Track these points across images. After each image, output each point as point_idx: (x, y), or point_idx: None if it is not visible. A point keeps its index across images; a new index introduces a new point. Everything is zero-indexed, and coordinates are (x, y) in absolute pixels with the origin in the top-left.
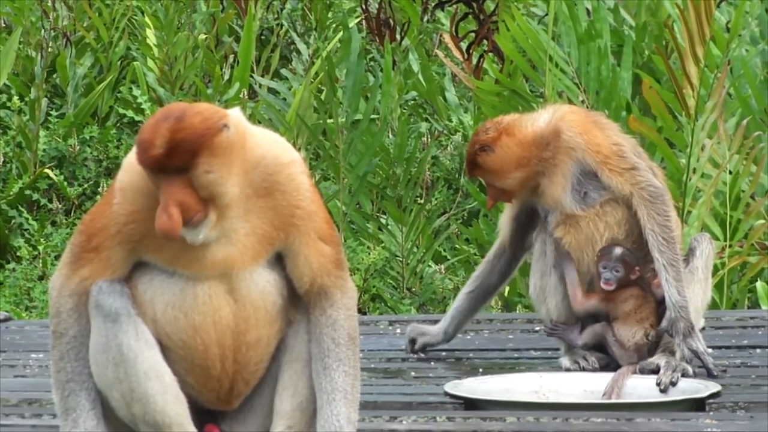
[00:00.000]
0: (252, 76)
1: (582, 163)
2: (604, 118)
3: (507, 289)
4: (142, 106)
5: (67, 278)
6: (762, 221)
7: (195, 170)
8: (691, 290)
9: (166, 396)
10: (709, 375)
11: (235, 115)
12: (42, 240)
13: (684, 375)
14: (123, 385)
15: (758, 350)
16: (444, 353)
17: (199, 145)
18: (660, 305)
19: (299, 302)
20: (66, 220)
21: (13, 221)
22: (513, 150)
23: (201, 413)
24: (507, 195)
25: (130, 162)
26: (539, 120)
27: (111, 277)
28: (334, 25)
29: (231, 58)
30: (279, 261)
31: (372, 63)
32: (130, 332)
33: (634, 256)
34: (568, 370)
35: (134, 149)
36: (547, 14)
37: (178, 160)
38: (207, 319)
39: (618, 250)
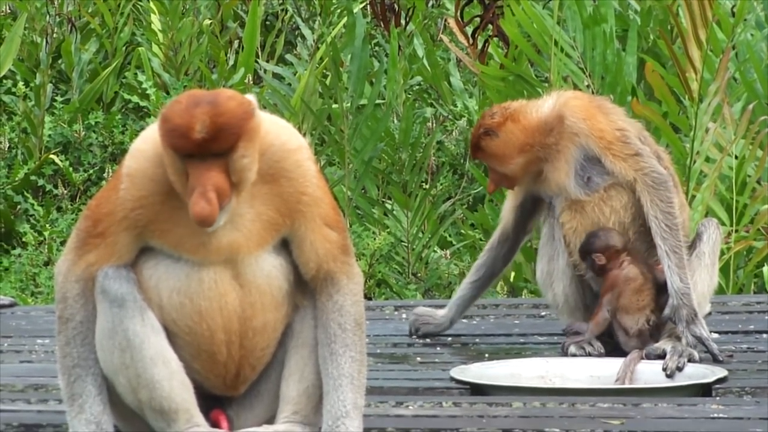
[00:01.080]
0: (257, 62)
1: (585, 149)
2: (609, 103)
3: (513, 274)
4: (147, 92)
5: (73, 264)
6: None
7: (234, 154)
8: (697, 275)
9: (173, 382)
10: (715, 360)
11: (254, 100)
12: (47, 226)
13: (690, 360)
14: (129, 371)
15: (764, 335)
16: (450, 338)
17: (240, 128)
18: (662, 291)
19: (306, 287)
20: (71, 205)
21: (18, 207)
22: (517, 136)
23: (207, 399)
24: (509, 181)
25: (139, 148)
26: (543, 106)
27: (117, 263)
28: (338, 10)
29: (236, 43)
30: (285, 246)
31: (377, 48)
32: (136, 318)
33: (614, 241)
34: (573, 355)
35: (160, 135)
36: None
37: (223, 144)
38: (213, 305)
39: (596, 240)
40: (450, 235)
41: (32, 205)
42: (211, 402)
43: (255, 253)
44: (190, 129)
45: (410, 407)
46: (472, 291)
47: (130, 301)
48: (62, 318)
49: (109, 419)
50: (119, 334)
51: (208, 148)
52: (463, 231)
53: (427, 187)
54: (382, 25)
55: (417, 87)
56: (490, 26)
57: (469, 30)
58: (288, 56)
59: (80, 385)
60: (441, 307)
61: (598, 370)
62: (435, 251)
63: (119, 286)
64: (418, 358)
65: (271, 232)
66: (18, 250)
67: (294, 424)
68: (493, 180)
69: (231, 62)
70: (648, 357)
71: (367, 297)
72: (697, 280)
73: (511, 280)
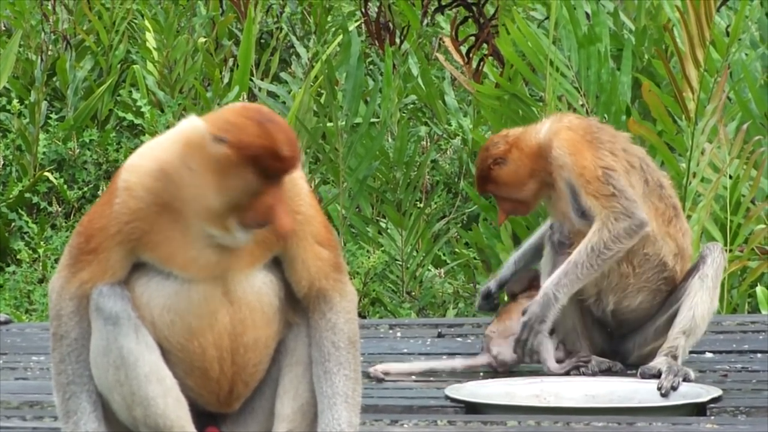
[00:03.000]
0: (251, 80)
1: (569, 183)
2: (608, 134)
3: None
4: (142, 110)
5: (67, 281)
6: (762, 226)
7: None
8: (699, 297)
9: (167, 399)
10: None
11: None
12: (42, 243)
13: (686, 379)
14: (124, 388)
15: (759, 355)
16: (445, 357)
17: None
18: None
19: (298, 304)
20: (66, 223)
21: (12, 224)
22: (524, 161)
23: (201, 416)
24: (523, 206)
25: (137, 163)
26: (541, 131)
27: (111, 280)
28: (333, 29)
29: (230, 61)
30: (276, 262)
31: (371, 67)
32: (131, 335)
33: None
34: (568, 374)
35: (240, 157)
36: (547, 18)
37: (298, 164)
38: (203, 322)
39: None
40: (444, 254)
41: (27, 222)
42: (205, 419)
43: (246, 270)
44: (295, 147)
45: (405, 426)
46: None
47: (124, 318)
48: (56, 335)
49: None
50: (113, 352)
51: (295, 168)
52: (457, 250)
53: (422, 205)
54: (377, 44)
55: (412, 105)
56: (485, 45)
57: (464, 49)
58: (283, 74)
59: (75, 402)
60: (435, 326)
61: (593, 389)
62: (429, 270)
63: (113, 303)
64: (413, 377)
65: (263, 251)
66: (12, 268)
67: None
68: (504, 210)
69: (226, 80)
70: (643, 376)
71: (362, 315)
72: (697, 301)
73: (504, 298)
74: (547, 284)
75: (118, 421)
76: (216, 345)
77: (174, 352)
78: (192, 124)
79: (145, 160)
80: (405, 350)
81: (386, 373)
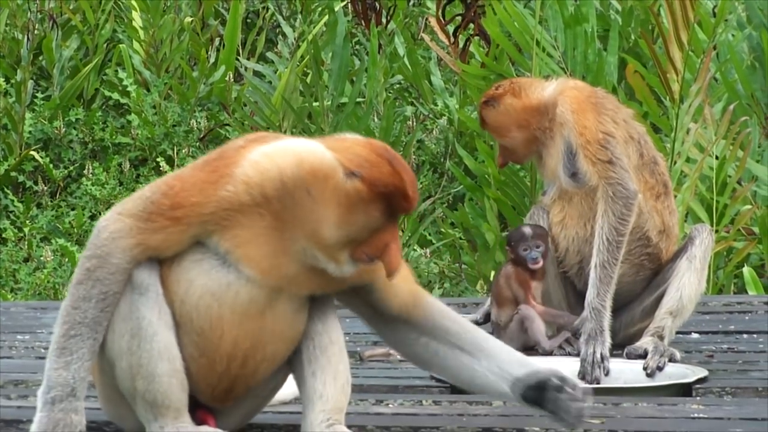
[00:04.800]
0: (238, 59)
1: (568, 142)
2: (612, 103)
3: (492, 273)
4: (128, 89)
5: (129, 230)
6: (748, 206)
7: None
8: (686, 278)
9: (172, 379)
10: (582, 378)
11: None
12: (27, 222)
13: (671, 360)
14: (133, 358)
15: (745, 335)
16: None
17: None
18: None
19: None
20: (51, 202)
21: None
22: (515, 110)
23: (193, 399)
24: (514, 155)
25: (264, 165)
26: (547, 89)
27: (174, 252)
28: (319, 9)
29: (217, 41)
30: None
31: (358, 46)
32: (154, 309)
33: (542, 227)
34: (553, 354)
35: (374, 194)
36: None
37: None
38: (235, 318)
39: (527, 229)
40: (430, 234)
41: (12, 201)
42: (196, 401)
43: (304, 292)
44: (413, 191)
45: (390, 405)
46: None
47: (152, 292)
48: (92, 274)
49: (85, 389)
50: (133, 320)
51: (415, 207)
52: (443, 230)
53: None
54: (363, 24)
55: (398, 86)
56: (471, 25)
57: (450, 29)
58: (269, 54)
59: (77, 344)
60: None
61: (577, 369)
62: (415, 250)
63: (147, 275)
64: (399, 356)
65: (331, 284)
66: None
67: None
68: (500, 154)
69: (212, 60)
70: (629, 356)
71: None
72: (685, 282)
73: (491, 278)
74: (589, 299)
75: (114, 386)
76: (236, 343)
77: (191, 334)
78: (319, 151)
79: (271, 165)
80: None
81: (388, 355)
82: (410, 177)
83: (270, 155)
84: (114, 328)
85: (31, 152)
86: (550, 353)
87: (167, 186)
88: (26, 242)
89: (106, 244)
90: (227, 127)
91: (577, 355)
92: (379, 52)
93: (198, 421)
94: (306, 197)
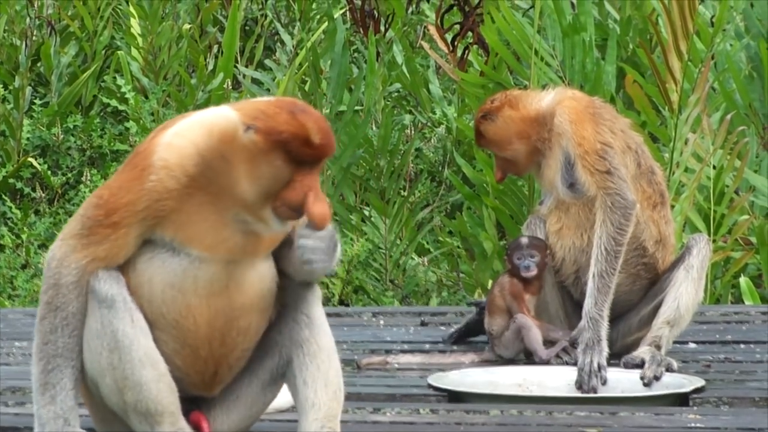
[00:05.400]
0: (236, 67)
1: (566, 152)
2: (609, 113)
3: (490, 281)
4: (126, 96)
5: (74, 250)
6: (746, 216)
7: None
8: (683, 287)
9: (160, 384)
10: (579, 388)
11: None
12: (25, 229)
13: (668, 370)
14: (117, 372)
15: (742, 345)
16: (428, 346)
17: None
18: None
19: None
20: (49, 209)
21: None
22: (514, 122)
23: (184, 401)
24: (514, 167)
25: (175, 143)
26: (545, 99)
27: (124, 257)
28: (318, 16)
29: (215, 48)
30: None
31: (356, 54)
32: (126, 319)
33: (541, 240)
34: (550, 364)
35: (270, 143)
36: (532, 7)
37: (332, 151)
38: (203, 301)
39: (524, 239)
40: (428, 243)
41: (10, 208)
42: (188, 405)
43: (258, 256)
44: (320, 138)
45: (388, 414)
46: None
47: (119, 302)
48: (51, 304)
49: (77, 416)
50: (108, 335)
51: (327, 155)
52: (440, 238)
53: (405, 194)
54: (362, 32)
55: (396, 94)
56: (470, 33)
57: (448, 37)
58: (267, 61)
59: (57, 376)
60: (417, 315)
61: (575, 379)
62: (413, 258)
63: (109, 287)
64: (396, 365)
65: (280, 237)
66: None
67: None
68: (498, 167)
69: (210, 67)
70: (626, 366)
71: (345, 303)
72: (682, 292)
73: (489, 287)
74: (587, 308)
75: (105, 405)
76: (210, 324)
77: (167, 329)
78: (224, 114)
79: (184, 141)
80: (388, 338)
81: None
82: (314, 124)
83: (180, 134)
84: (90, 347)
85: (29, 159)
86: (547, 362)
87: (97, 197)
88: (24, 249)
89: (58, 270)
90: None
91: (575, 364)
92: (377, 60)
93: (192, 425)
94: (223, 163)
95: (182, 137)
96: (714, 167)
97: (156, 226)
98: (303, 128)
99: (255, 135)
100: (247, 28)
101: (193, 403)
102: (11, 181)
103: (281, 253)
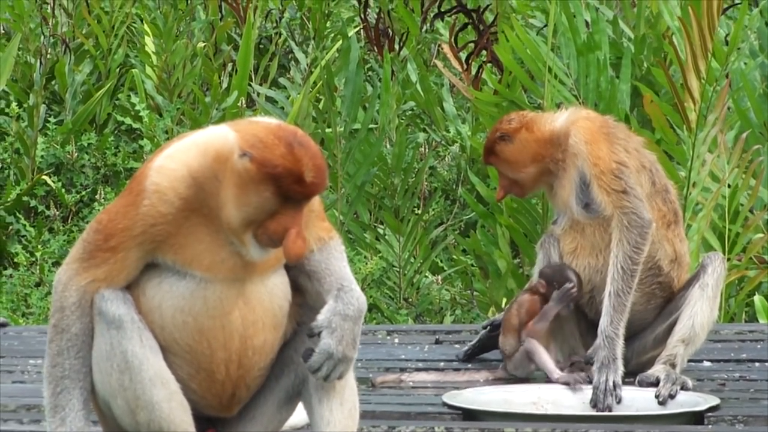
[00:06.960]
0: (250, 85)
1: (582, 172)
2: (623, 132)
3: (504, 300)
4: (140, 114)
5: (77, 273)
6: (760, 235)
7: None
8: (698, 306)
9: (172, 403)
10: (594, 406)
11: None
12: (39, 246)
13: (683, 388)
14: (128, 393)
15: (757, 364)
16: (442, 364)
17: None
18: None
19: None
20: (63, 227)
21: (10, 227)
22: (531, 144)
23: (199, 420)
24: (519, 188)
25: (167, 166)
26: (558, 119)
27: (125, 280)
28: (332, 35)
29: (229, 66)
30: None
31: (370, 73)
32: (135, 339)
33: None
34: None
35: (261, 177)
36: (546, 25)
37: (324, 188)
38: (215, 323)
39: (572, 275)
40: (442, 261)
41: (24, 226)
42: (204, 423)
43: (264, 273)
44: (312, 176)
45: None
46: None
47: (127, 322)
48: (57, 327)
49: None
50: (117, 356)
51: (316, 193)
52: (454, 256)
53: (420, 212)
54: (376, 50)
55: (410, 112)
56: (484, 52)
57: (463, 55)
58: (281, 80)
59: (66, 398)
60: (432, 333)
61: (590, 397)
62: (426, 276)
63: (116, 307)
64: (411, 383)
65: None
66: (10, 271)
67: None
68: (503, 187)
69: (224, 85)
70: (641, 384)
71: None
72: (697, 310)
73: (503, 305)
74: (602, 327)
75: (118, 426)
76: (225, 347)
77: (181, 354)
78: (222, 134)
79: (176, 164)
80: (402, 356)
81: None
82: (310, 161)
83: (172, 156)
84: (101, 369)
85: (43, 177)
86: (566, 384)
87: (97, 222)
88: (38, 267)
89: (63, 294)
90: None
91: (590, 382)
92: (391, 79)
93: None
94: (216, 183)
95: (174, 160)
96: (729, 186)
97: (156, 249)
98: (298, 164)
99: (249, 163)
100: (261, 46)
101: (208, 422)
102: (25, 199)
103: (299, 280)
